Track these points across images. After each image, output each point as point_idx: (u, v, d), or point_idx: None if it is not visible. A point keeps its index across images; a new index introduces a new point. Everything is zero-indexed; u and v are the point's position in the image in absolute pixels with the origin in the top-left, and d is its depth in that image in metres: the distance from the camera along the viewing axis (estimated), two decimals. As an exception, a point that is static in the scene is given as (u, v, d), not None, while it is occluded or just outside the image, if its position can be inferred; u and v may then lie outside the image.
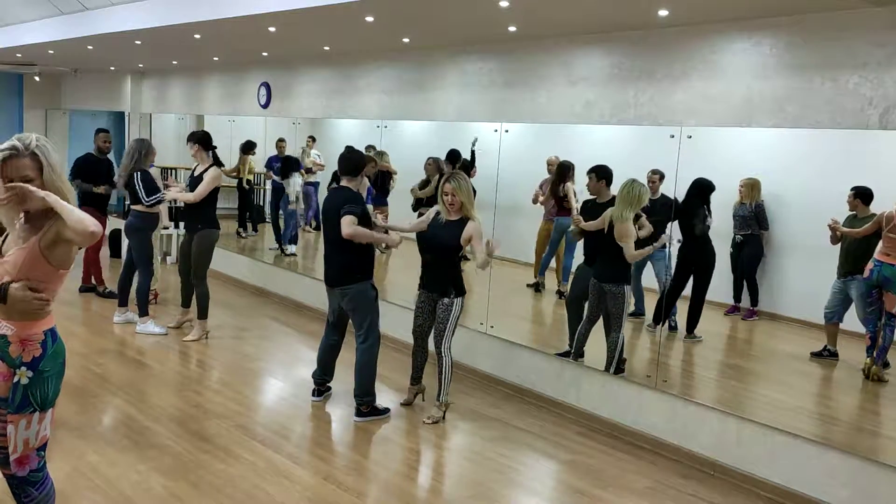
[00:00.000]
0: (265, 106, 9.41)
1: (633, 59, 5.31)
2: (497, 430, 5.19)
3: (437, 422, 5.19)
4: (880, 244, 4.78)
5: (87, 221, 2.76)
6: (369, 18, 5.68)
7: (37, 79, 13.91)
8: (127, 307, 7.32)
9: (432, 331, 5.27)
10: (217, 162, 6.97)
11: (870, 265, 4.82)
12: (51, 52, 10.47)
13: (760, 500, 4.41)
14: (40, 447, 2.97)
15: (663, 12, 4.69)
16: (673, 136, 5.00)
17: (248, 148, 10.41)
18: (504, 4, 4.81)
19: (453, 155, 7.04)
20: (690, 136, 4.95)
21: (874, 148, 4.57)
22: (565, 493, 4.43)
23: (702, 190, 5.48)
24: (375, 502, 4.14)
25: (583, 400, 5.49)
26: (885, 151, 4.50)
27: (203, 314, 6.95)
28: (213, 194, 6.78)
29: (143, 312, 7.07)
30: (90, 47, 9.40)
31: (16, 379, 2.87)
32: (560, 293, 6.94)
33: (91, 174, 8.09)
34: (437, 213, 5.18)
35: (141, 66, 11.64)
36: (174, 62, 10.68)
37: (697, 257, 5.61)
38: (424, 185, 7.54)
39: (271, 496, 4.06)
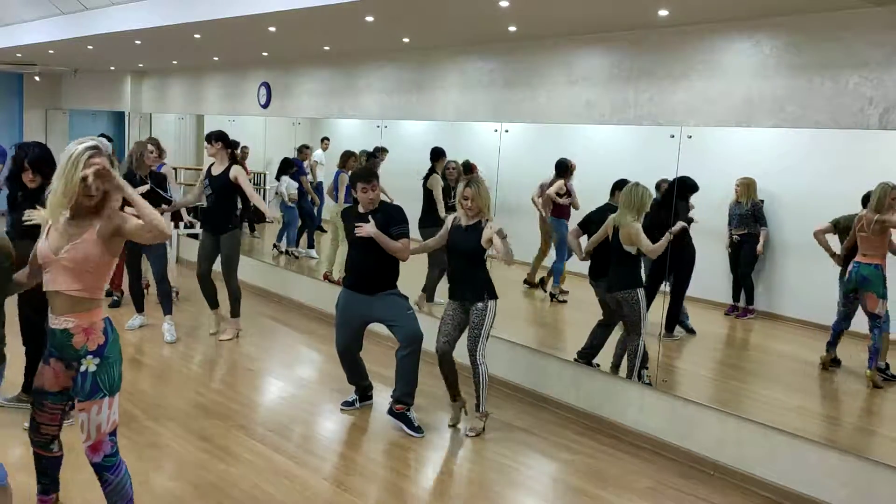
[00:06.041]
0: (265, 106, 9.41)
1: (633, 59, 5.31)
2: (497, 430, 5.19)
3: (479, 434, 5.07)
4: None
5: (161, 222, 2.92)
6: (369, 18, 5.68)
7: (37, 79, 13.92)
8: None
9: (447, 341, 5.05)
10: (234, 159, 6.79)
11: (850, 267, 4.83)
12: (51, 52, 10.48)
13: (760, 499, 4.41)
14: (112, 432, 3.12)
15: (663, 12, 4.69)
16: (673, 136, 5.00)
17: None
18: (504, 4, 4.81)
19: (437, 152, 7.05)
20: (690, 136, 4.95)
21: (874, 148, 4.57)
22: (565, 493, 4.43)
23: (687, 189, 5.43)
24: (375, 502, 4.14)
25: (583, 400, 5.49)
26: (886, 151, 4.50)
27: (237, 312, 7.02)
28: (235, 193, 6.70)
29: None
30: (90, 47, 9.41)
31: (83, 368, 3.02)
32: (552, 294, 6.96)
33: None
34: (455, 220, 5.05)
35: (141, 66, 11.64)
36: (174, 62, 10.68)
37: (677, 255, 5.57)
38: (447, 191, 7.16)
39: (271, 496, 4.06)
